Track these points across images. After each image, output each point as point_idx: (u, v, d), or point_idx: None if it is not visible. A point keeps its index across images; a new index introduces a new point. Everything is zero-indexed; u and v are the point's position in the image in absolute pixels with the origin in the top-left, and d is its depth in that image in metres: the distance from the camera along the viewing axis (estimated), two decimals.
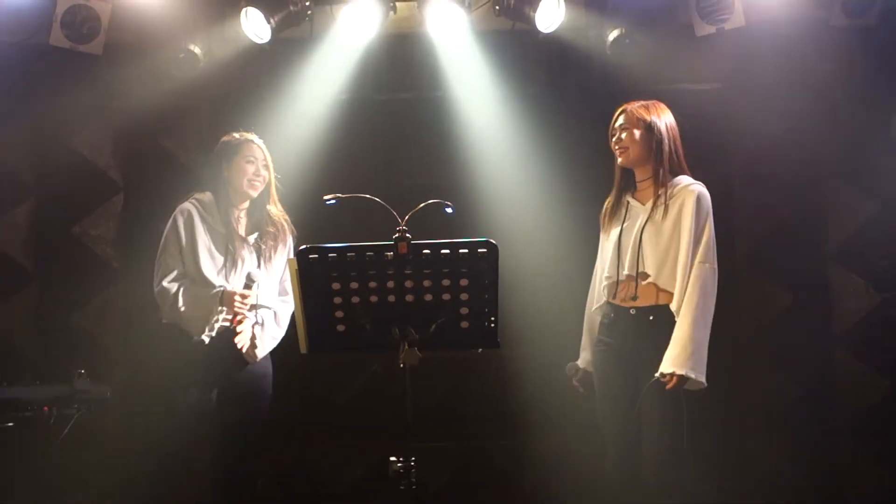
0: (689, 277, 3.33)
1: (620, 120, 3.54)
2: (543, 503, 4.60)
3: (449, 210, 2.99)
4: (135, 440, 4.19)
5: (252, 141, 3.81)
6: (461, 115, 4.70)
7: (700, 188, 3.46)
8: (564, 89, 4.81)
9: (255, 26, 4.44)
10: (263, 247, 3.79)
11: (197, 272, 3.66)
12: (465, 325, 2.78)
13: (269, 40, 4.50)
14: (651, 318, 3.42)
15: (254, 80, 4.77)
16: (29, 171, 4.76)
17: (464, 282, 2.71)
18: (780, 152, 4.67)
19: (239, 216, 3.83)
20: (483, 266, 2.70)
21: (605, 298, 3.57)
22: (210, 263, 3.68)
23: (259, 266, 3.74)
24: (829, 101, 4.67)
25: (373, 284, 2.72)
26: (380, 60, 4.76)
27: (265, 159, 3.82)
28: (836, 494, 4.56)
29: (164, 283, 3.65)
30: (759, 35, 4.59)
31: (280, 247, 3.84)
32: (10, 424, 3.65)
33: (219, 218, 3.75)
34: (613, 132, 3.57)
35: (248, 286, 3.63)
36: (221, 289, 3.63)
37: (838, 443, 4.62)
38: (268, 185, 3.84)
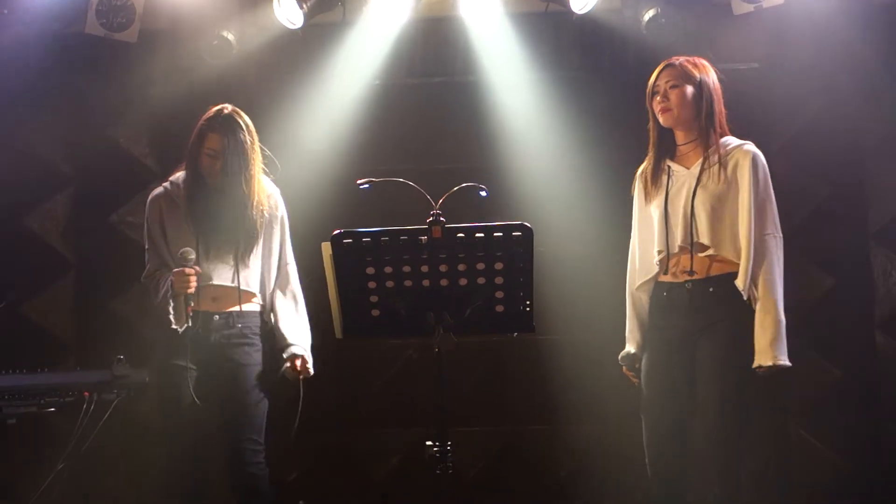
0: (755, 251, 3.11)
1: (666, 76, 3.29)
2: (579, 489, 4.58)
3: (483, 193, 2.98)
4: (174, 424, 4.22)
5: (218, 129, 3.50)
6: (495, 99, 4.67)
7: (754, 148, 3.24)
8: (599, 71, 4.75)
9: (287, 12, 4.44)
10: (238, 223, 3.52)
11: (172, 259, 3.51)
12: (500, 308, 2.75)
13: (302, 26, 4.50)
14: (711, 289, 3.19)
15: (287, 65, 4.76)
16: (66, 160, 4.82)
17: (498, 265, 2.68)
18: (820, 132, 4.60)
19: (214, 192, 3.55)
20: (518, 249, 2.67)
21: (654, 274, 3.31)
22: (184, 248, 3.45)
23: (238, 246, 3.52)
24: (870, 80, 4.58)
25: (407, 269, 2.70)
26: (413, 44, 4.73)
27: (231, 148, 3.48)
28: (879, 480, 4.49)
29: (144, 276, 3.60)
30: (798, 13, 4.50)
31: (262, 221, 3.56)
32: (52, 409, 3.71)
33: (187, 197, 3.55)
34: (657, 89, 3.30)
35: (186, 264, 3.39)
36: (168, 280, 3.45)
37: (881, 428, 4.54)
38: (242, 163, 3.50)
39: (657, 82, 3.32)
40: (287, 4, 4.42)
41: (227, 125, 3.53)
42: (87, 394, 3.71)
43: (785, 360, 3.09)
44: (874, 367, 4.58)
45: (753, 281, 3.14)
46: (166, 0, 4.58)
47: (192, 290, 3.43)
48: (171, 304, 3.48)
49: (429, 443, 2.74)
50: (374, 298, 2.75)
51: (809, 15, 4.51)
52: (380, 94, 4.73)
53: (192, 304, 3.45)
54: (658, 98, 3.30)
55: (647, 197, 3.39)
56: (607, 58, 4.75)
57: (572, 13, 4.44)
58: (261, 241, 3.62)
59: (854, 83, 4.57)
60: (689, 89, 3.26)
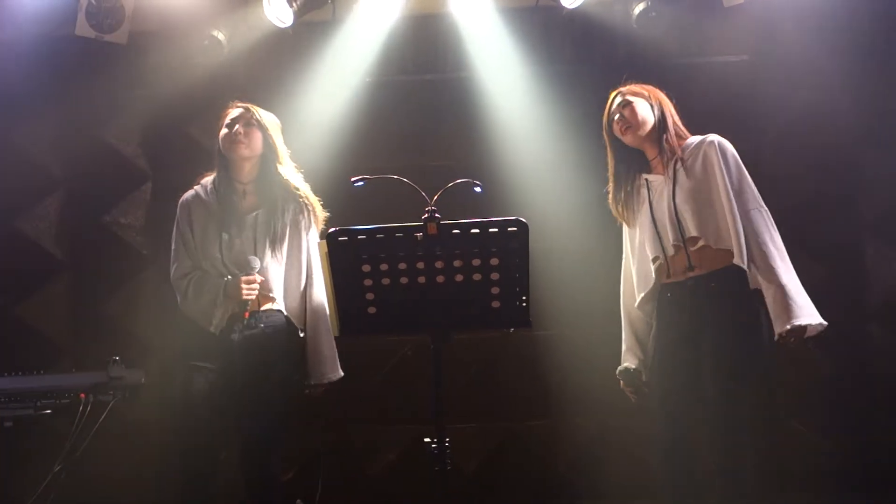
0: (744, 228, 3.20)
1: (617, 100, 3.48)
2: (577, 484, 4.58)
3: (478, 189, 2.98)
4: (168, 425, 4.22)
5: (235, 104, 3.65)
6: (486, 95, 4.68)
7: (717, 137, 3.37)
8: (590, 65, 4.76)
9: (277, 10, 4.44)
10: (266, 224, 3.58)
11: (203, 258, 3.57)
12: (496, 304, 2.76)
13: (292, 24, 4.50)
14: (713, 284, 3.27)
15: (278, 64, 4.76)
16: (58, 161, 4.80)
17: (494, 261, 2.69)
18: (812, 123, 4.61)
19: (244, 191, 3.64)
20: (513, 245, 2.68)
21: (653, 284, 3.42)
22: (211, 247, 3.56)
23: (256, 245, 3.56)
24: (861, 71, 4.60)
25: (403, 266, 2.71)
26: (403, 42, 4.74)
27: (251, 118, 3.59)
28: (875, 470, 4.51)
29: (176, 277, 3.61)
30: (788, 4, 4.53)
31: (291, 224, 3.63)
32: (49, 411, 3.71)
33: (216, 196, 3.62)
34: (612, 115, 3.49)
35: (250, 271, 3.48)
36: (224, 281, 3.51)
37: (873, 417, 4.56)
38: (268, 153, 3.61)
39: (611, 111, 3.51)
40: (277, 3, 4.42)
41: (253, 116, 3.62)
42: (83, 395, 3.71)
43: (803, 321, 3.12)
44: (866, 358, 4.59)
45: (751, 258, 3.21)
46: (156, 1, 4.57)
47: (252, 297, 3.48)
48: (218, 306, 3.51)
49: (427, 439, 2.75)
50: (370, 296, 2.76)
51: (799, 6, 4.53)
52: (371, 91, 4.73)
53: (249, 310, 3.50)
54: (616, 120, 3.47)
55: (631, 218, 3.53)
56: (598, 51, 4.77)
57: (562, 7, 4.45)
58: (285, 244, 3.63)
59: (844, 74, 4.57)
60: (641, 103, 3.45)
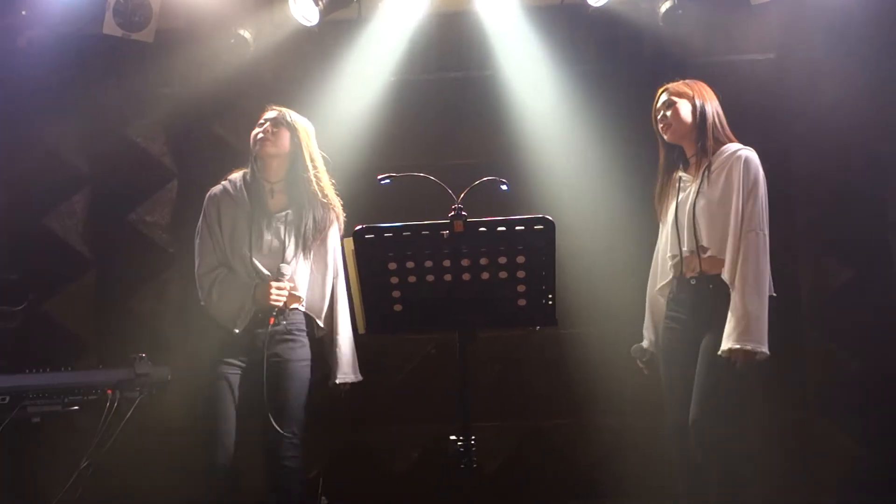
0: (739, 247, 3.32)
1: (663, 98, 3.60)
2: (601, 483, 4.57)
3: (504, 187, 2.98)
4: (194, 421, 4.24)
5: (271, 107, 3.74)
6: (512, 93, 4.67)
7: (747, 152, 3.44)
8: (616, 64, 4.75)
9: (303, 9, 4.46)
10: (295, 224, 3.64)
11: (231, 255, 3.64)
12: (522, 302, 2.76)
13: (318, 22, 4.51)
14: (711, 286, 3.42)
15: (303, 63, 4.77)
16: (85, 159, 4.83)
17: (520, 259, 2.69)
18: (838, 122, 4.56)
19: (272, 190, 3.70)
20: (540, 243, 2.67)
21: (670, 277, 3.59)
22: (240, 243, 3.62)
23: (287, 244, 3.62)
24: (888, 68, 4.55)
25: (429, 263, 2.71)
26: (428, 40, 4.73)
27: (281, 119, 3.68)
28: None
29: (200, 273, 3.66)
30: (815, 1, 4.47)
31: (317, 228, 3.68)
32: (76, 408, 3.74)
33: (245, 193, 3.68)
34: (657, 111, 3.61)
35: (280, 278, 3.56)
36: (254, 285, 3.57)
37: None
38: (296, 153, 3.67)
39: (657, 106, 3.61)
40: (303, 2, 4.43)
41: (284, 117, 3.70)
42: (110, 392, 3.74)
43: (746, 346, 3.24)
44: (894, 357, 4.55)
45: (732, 276, 3.33)
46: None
47: (280, 304, 3.55)
48: (245, 309, 3.57)
49: (452, 437, 2.74)
50: (396, 294, 2.76)
51: (825, 4, 4.49)
52: (396, 90, 4.73)
53: (275, 316, 3.56)
54: (658, 118, 3.63)
55: (664, 211, 3.67)
56: (623, 50, 4.75)
57: (588, 6, 4.43)
58: (313, 248, 3.69)
59: (871, 72, 4.53)
60: (685, 104, 3.54)
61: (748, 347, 3.23)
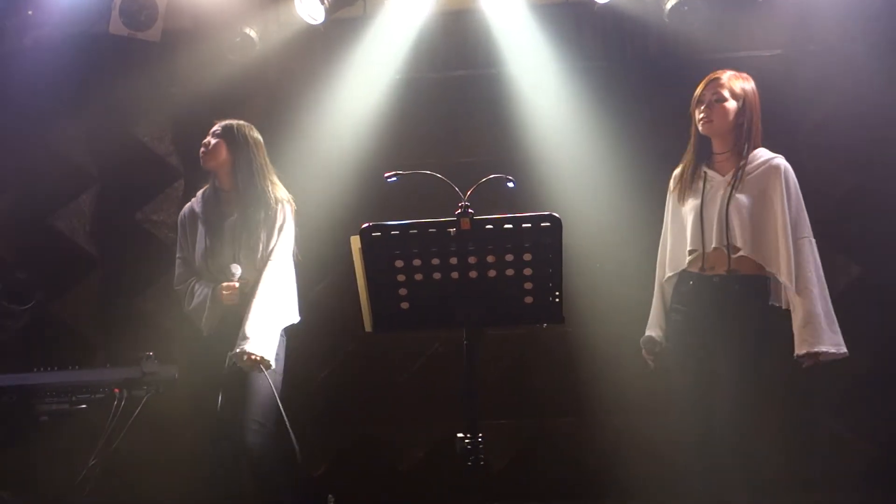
0: (792, 254, 3.35)
1: (713, 88, 3.51)
2: (607, 481, 4.55)
3: (511, 185, 2.96)
4: (201, 420, 4.25)
5: (215, 121, 3.85)
6: (517, 91, 4.67)
7: (783, 161, 3.48)
8: (622, 61, 4.74)
9: (309, 7, 4.47)
10: (243, 227, 3.75)
11: (197, 265, 3.81)
12: (528, 300, 2.74)
13: (324, 21, 4.52)
14: (737, 286, 3.42)
15: (309, 61, 4.78)
16: (91, 159, 4.85)
17: (527, 256, 2.67)
18: (846, 119, 4.55)
19: (226, 199, 3.84)
20: (546, 240, 2.66)
21: (683, 268, 3.55)
22: (199, 252, 3.79)
23: (235, 249, 3.75)
24: (895, 65, 4.52)
25: (436, 261, 2.69)
26: (434, 38, 4.74)
27: (220, 133, 3.79)
28: None
29: (176, 286, 3.88)
30: None
31: (263, 225, 3.75)
32: (83, 406, 3.75)
33: (203, 205, 3.85)
34: (703, 99, 3.52)
35: (231, 278, 3.70)
36: (209, 288, 3.73)
37: None
38: (239, 164, 3.78)
39: (703, 93, 3.53)
40: (308, 0, 4.43)
41: (227, 131, 3.80)
42: (117, 390, 3.75)
43: (821, 348, 3.33)
44: None
45: (791, 280, 3.37)
46: None
47: (233, 302, 3.67)
48: (206, 310, 3.73)
49: (460, 435, 2.73)
50: (403, 291, 2.75)
51: None
52: (402, 88, 4.73)
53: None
54: (702, 108, 3.50)
55: (682, 198, 3.62)
56: (629, 47, 4.74)
57: (594, 3, 4.43)
58: (260, 245, 3.76)
59: (879, 68, 4.50)
60: (733, 104, 3.49)
61: (832, 350, 3.33)
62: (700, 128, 3.52)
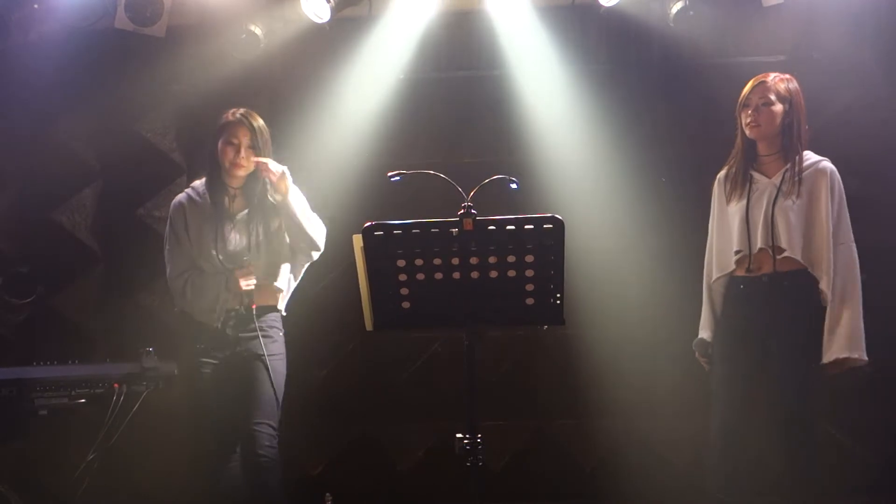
0: (833, 258, 3.42)
1: (759, 92, 3.55)
2: (606, 483, 4.56)
3: (514, 186, 2.97)
4: (202, 416, 4.25)
5: (241, 122, 3.71)
6: (521, 93, 4.67)
7: (830, 165, 3.54)
8: (626, 64, 4.74)
9: (314, 6, 4.46)
10: (254, 221, 3.74)
11: (199, 257, 3.73)
12: (530, 301, 2.74)
13: (329, 20, 4.51)
14: (785, 283, 3.48)
15: (314, 60, 4.78)
16: (94, 154, 4.85)
17: (529, 258, 2.68)
18: (849, 125, 4.54)
19: (235, 195, 3.79)
20: (549, 242, 2.66)
21: (730, 270, 3.59)
22: (207, 245, 3.71)
23: (249, 240, 3.71)
24: None
25: (437, 261, 2.70)
26: (439, 38, 4.73)
27: (255, 140, 3.70)
28: None
29: (172, 277, 3.77)
30: (827, 2, 4.46)
31: (276, 221, 3.76)
32: (83, 401, 3.76)
33: (208, 199, 3.76)
34: (748, 102, 3.56)
35: (245, 265, 3.67)
36: (225, 274, 3.67)
37: None
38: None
39: (750, 96, 3.56)
40: None
41: (247, 120, 3.72)
42: (116, 385, 3.77)
43: (862, 355, 3.42)
44: None
45: (829, 287, 3.44)
46: None
47: (251, 288, 3.64)
48: (220, 301, 3.66)
49: (459, 435, 2.74)
50: (404, 291, 2.75)
51: (837, 5, 4.47)
52: (406, 88, 4.73)
53: (256, 302, 3.67)
54: (749, 112, 3.53)
55: (728, 200, 3.66)
56: (634, 51, 4.73)
57: (599, 6, 4.43)
58: (274, 235, 3.75)
59: (883, 73, 4.52)
60: (780, 108, 3.53)
61: (855, 356, 3.38)
62: (747, 132, 3.56)
